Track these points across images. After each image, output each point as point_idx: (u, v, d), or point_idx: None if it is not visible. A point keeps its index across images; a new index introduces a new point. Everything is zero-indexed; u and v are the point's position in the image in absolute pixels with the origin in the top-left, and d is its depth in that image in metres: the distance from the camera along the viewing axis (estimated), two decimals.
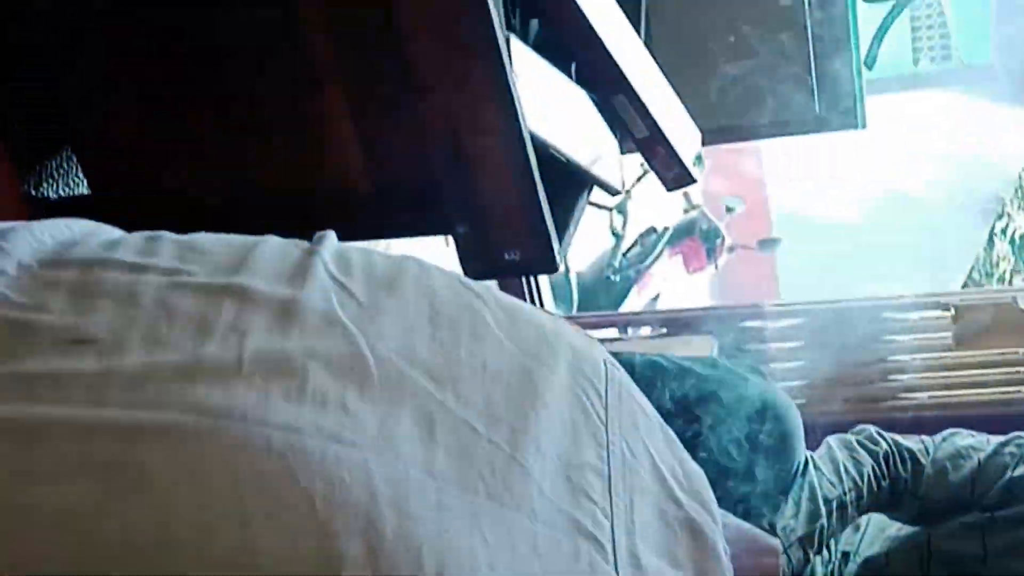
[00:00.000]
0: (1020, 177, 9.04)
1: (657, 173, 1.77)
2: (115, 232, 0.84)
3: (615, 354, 0.97)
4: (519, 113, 1.38)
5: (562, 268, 1.56)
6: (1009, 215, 9.52)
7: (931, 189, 8.83)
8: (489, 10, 1.34)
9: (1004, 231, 9.64)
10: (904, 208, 8.75)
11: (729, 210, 5.82)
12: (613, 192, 1.75)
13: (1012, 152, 8.38)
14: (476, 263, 1.46)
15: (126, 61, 1.48)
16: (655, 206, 5.13)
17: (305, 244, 0.83)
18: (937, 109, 7.95)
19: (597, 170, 1.64)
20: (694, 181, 1.76)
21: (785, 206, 8.55)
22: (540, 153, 1.46)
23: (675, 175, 1.74)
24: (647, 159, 1.76)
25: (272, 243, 0.83)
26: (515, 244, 1.45)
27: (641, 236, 5.58)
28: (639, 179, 4.19)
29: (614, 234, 4.60)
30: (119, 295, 0.72)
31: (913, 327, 3.36)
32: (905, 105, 7.24)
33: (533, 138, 1.44)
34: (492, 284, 1.02)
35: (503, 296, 0.85)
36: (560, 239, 1.50)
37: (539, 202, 1.41)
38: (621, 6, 1.83)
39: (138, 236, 0.82)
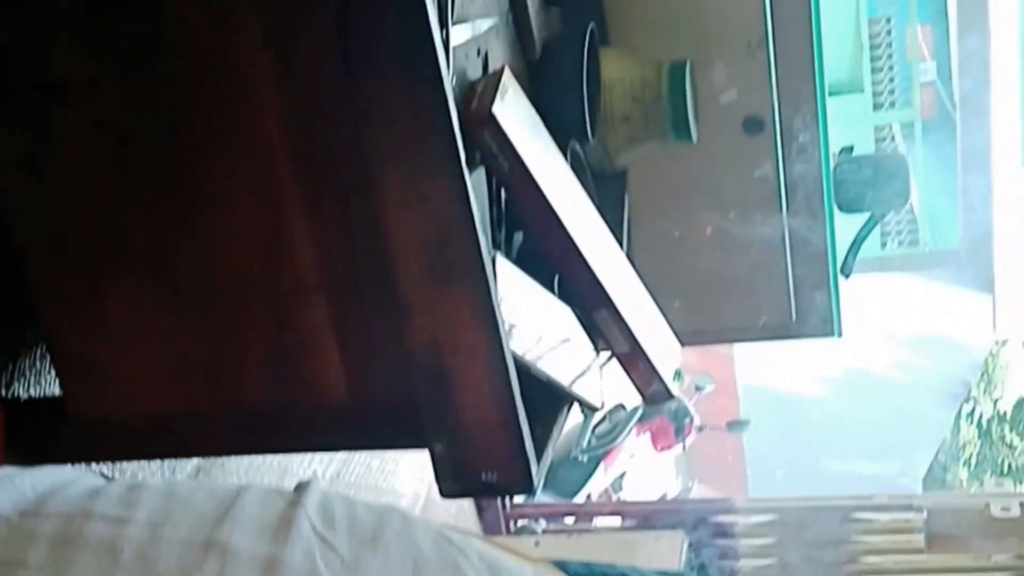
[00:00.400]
0: (986, 363, 9.16)
1: (636, 387, 1.77)
2: (97, 480, 0.84)
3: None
4: (502, 335, 1.38)
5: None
6: (975, 400, 9.61)
7: (897, 369, 8.91)
8: (477, 236, 1.35)
9: (971, 415, 9.72)
10: (870, 387, 8.81)
11: (699, 388, 5.84)
12: (593, 409, 1.75)
13: (977, 338, 8.50)
14: (451, 483, 1.44)
15: (107, 264, 1.47)
16: (625, 383, 5.13)
17: (289, 493, 0.83)
18: (903, 292, 8.08)
19: (578, 389, 1.64)
20: (672, 398, 1.77)
21: (752, 380, 8.59)
22: (521, 373, 1.45)
23: (654, 391, 1.74)
24: (626, 372, 1.76)
25: (255, 493, 0.82)
26: (493, 466, 1.42)
27: (610, 413, 5.57)
28: (609, 359, 4.19)
29: (583, 411, 4.58)
30: (100, 549, 0.72)
31: (885, 528, 3.35)
32: (871, 286, 7.35)
33: (515, 359, 1.43)
34: (475, 531, 1.01)
35: (485, 550, 0.85)
36: (538, 459, 1.48)
37: (519, 425, 1.40)
38: (604, 216, 1.85)
39: (120, 485, 0.82)
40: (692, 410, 5.85)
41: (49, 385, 1.64)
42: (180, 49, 1.39)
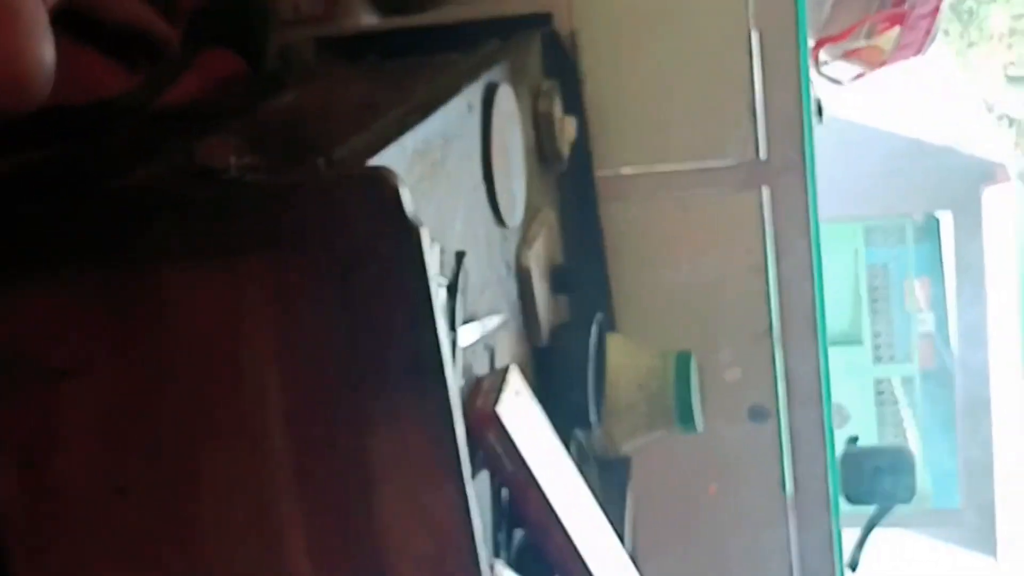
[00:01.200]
0: None
1: None
2: None
3: None
4: None
5: None
6: None
7: None
8: (477, 550, 1.31)
9: None
10: None
11: None
12: None
13: None
14: None
15: (93, 560, 1.43)
16: None
17: None
18: (903, 550, 7.92)
19: None
20: None
21: None
22: None
23: None
24: None
25: None
26: None
27: None
28: None
29: None
30: None
31: None
32: (871, 543, 7.21)
33: None
34: None
35: None
36: None
37: None
38: (606, 504, 1.82)
39: None
40: None
41: None
42: (184, 344, 1.38)
